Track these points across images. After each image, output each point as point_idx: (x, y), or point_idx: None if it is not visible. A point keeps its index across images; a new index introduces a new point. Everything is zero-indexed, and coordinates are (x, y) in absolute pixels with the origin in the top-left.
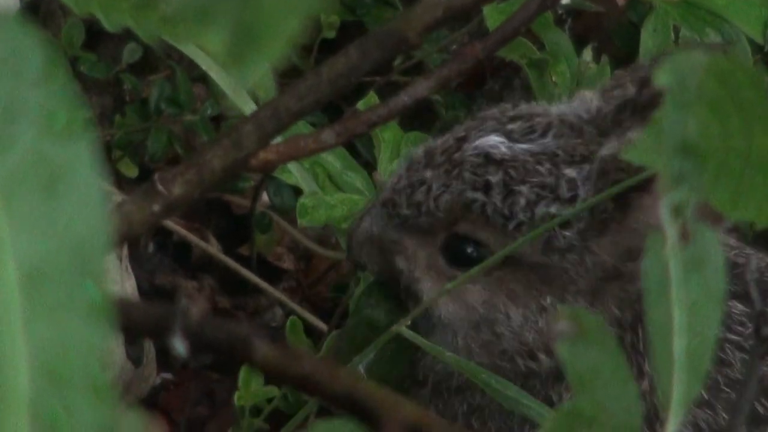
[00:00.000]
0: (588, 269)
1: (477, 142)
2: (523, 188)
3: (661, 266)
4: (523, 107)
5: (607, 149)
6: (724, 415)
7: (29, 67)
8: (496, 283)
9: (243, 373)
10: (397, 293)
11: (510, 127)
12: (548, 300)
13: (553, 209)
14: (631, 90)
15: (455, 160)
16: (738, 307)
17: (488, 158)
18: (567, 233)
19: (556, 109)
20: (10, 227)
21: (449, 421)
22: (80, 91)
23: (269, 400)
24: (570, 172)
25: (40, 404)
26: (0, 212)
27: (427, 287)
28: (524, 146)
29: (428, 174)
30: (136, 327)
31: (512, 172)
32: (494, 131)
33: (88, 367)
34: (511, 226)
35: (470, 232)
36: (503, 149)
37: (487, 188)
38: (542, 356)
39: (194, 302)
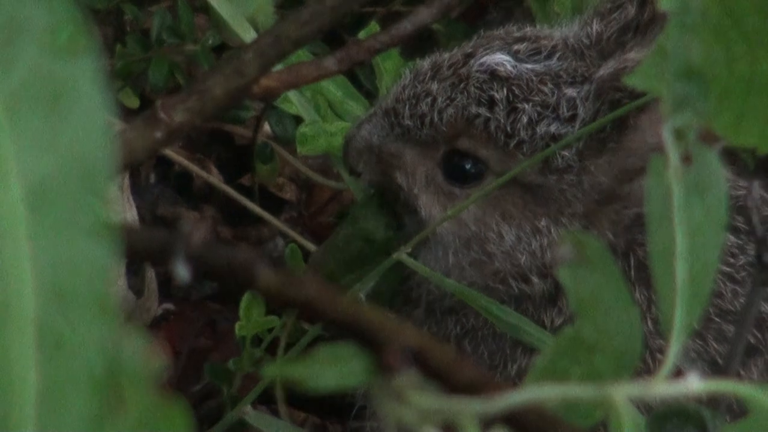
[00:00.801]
0: (585, 191)
1: (483, 59)
2: (526, 106)
3: (664, 189)
4: (528, 30)
5: (604, 69)
6: (714, 345)
7: None
8: (491, 202)
9: (244, 303)
10: (393, 205)
11: (516, 47)
12: (543, 222)
13: (553, 128)
14: (631, 10)
15: (461, 74)
16: (730, 238)
17: (494, 75)
18: (565, 153)
19: (559, 33)
20: (14, 145)
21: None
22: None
23: (270, 331)
24: (570, 91)
25: (46, 321)
26: (4, 130)
27: (424, 202)
28: (529, 66)
29: (434, 86)
30: (139, 252)
31: (516, 89)
32: (500, 50)
33: (92, 284)
34: (512, 144)
35: (471, 147)
36: (509, 67)
37: (491, 104)
38: (535, 279)
39: (197, 229)
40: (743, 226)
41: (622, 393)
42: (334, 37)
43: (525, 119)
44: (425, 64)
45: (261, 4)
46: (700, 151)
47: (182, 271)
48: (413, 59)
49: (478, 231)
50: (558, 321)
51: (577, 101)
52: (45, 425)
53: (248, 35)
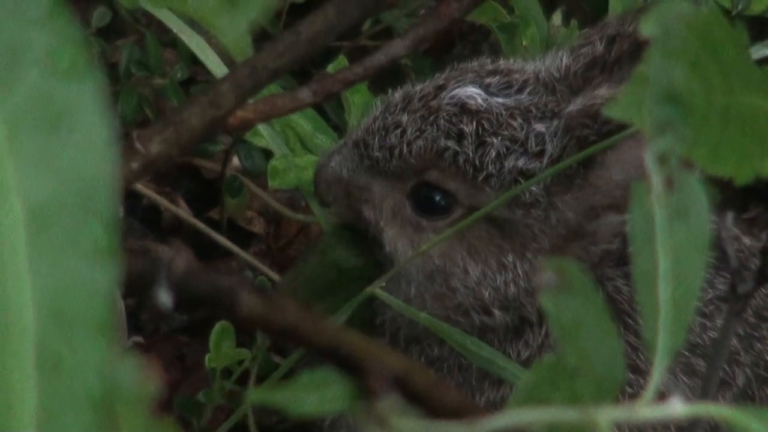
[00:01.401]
0: (552, 226)
1: (454, 92)
2: (495, 140)
3: (647, 214)
4: (502, 63)
5: (573, 105)
6: (684, 379)
7: (33, 7)
8: (457, 236)
9: (214, 335)
10: (364, 236)
11: (488, 80)
12: (509, 257)
13: (521, 163)
14: (599, 47)
15: (432, 107)
16: None
17: (464, 108)
18: (533, 188)
19: (532, 66)
20: (15, 166)
21: None
22: None
23: (240, 363)
24: (539, 126)
25: (46, 342)
26: (5, 151)
27: (391, 235)
28: (500, 100)
29: (404, 118)
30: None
31: (485, 123)
32: (472, 83)
33: (92, 306)
34: (480, 177)
35: (439, 180)
36: (479, 101)
37: (460, 137)
38: (496, 312)
39: (179, 256)
40: (712, 260)
41: (607, 416)
42: (302, 71)
43: (493, 153)
44: (396, 95)
45: (238, 37)
46: (682, 176)
47: (165, 298)
48: (381, 94)
49: (442, 265)
50: (525, 354)
51: (546, 137)
52: None
53: (219, 69)
